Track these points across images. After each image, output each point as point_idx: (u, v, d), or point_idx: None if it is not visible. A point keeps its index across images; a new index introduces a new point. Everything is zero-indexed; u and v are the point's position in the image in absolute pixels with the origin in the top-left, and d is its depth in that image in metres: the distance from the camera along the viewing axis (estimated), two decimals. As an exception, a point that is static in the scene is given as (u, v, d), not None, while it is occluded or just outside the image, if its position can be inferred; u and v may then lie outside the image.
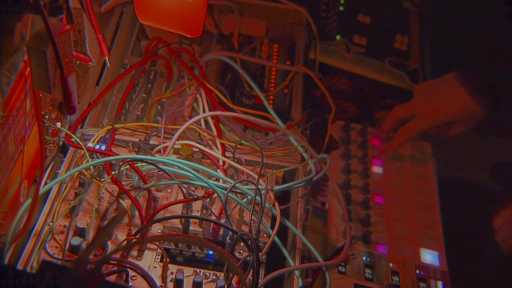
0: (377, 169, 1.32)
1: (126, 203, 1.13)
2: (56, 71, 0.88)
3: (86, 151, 1.14)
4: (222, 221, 1.13)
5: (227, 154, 1.25)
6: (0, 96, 0.90)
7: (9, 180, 0.99)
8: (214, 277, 1.07)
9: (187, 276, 1.06)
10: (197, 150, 1.23)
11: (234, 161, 1.22)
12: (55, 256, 1.04)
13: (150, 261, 1.07)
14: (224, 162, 1.23)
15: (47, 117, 1.13)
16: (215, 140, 1.27)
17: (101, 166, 1.16)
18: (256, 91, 1.39)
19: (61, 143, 1.18)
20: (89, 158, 1.14)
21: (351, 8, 1.65)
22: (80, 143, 1.15)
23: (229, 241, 1.10)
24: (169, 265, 1.06)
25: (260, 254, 1.05)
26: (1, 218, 0.99)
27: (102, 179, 1.17)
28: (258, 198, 1.12)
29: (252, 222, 1.13)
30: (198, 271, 1.08)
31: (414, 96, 1.34)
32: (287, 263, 1.12)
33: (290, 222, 1.16)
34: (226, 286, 1.03)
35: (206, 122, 1.31)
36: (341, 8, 1.65)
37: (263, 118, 1.32)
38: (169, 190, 1.19)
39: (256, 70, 1.48)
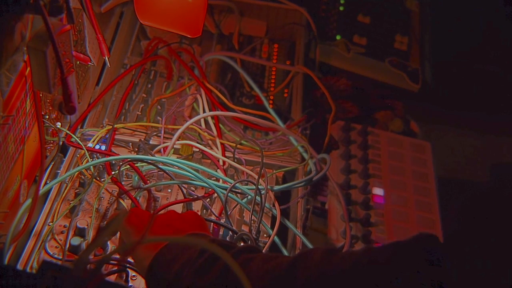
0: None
1: (126, 203, 1.13)
2: (56, 71, 0.88)
3: (86, 151, 1.14)
4: (222, 221, 1.13)
5: (227, 154, 1.25)
6: (0, 96, 0.90)
7: (9, 180, 0.99)
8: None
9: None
10: (197, 150, 1.23)
11: (234, 161, 1.22)
12: (55, 256, 1.04)
13: (150, 261, 1.07)
14: (224, 162, 1.23)
15: (47, 117, 1.13)
16: (215, 140, 1.27)
17: (101, 166, 1.16)
18: (256, 91, 1.39)
19: (61, 143, 1.18)
20: (89, 158, 1.14)
21: (351, 8, 1.65)
22: (80, 143, 1.15)
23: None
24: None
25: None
26: (1, 218, 0.99)
27: (102, 179, 1.17)
28: (258, 198, 1.12)
29: (252, 222, 1.13)
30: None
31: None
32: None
33: (290, 222, 1.16)
34: None
35: (206, 122, 1.31)
36: (341, 8, 1.65)
37: (263, 118, 1.32)
38: (169, 190, 1.19)
39: (256, 70, 1.48)
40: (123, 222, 0.94)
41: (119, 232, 0.99)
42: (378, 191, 1.28)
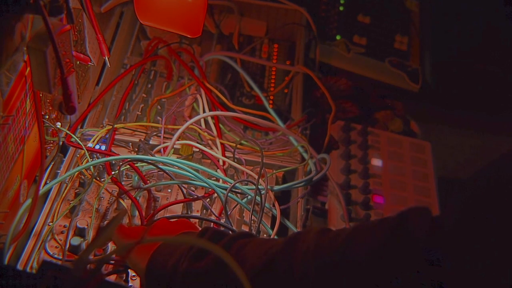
0: (377, 162, 1.30)
1: (126, 203, 1.13)
2: (56, 71, 0.88)
3: (86, 151, 1.14)
4: (222, 221, 1.13)
5: (227, 154, 1.25)
6: (0, 96, 0.90)
7: (9, 180, 0.99)
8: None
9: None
10: (197, 150, 1.23)
11: (234, 161, 1.22)
12: (55, 256, 1.04)
13: (150, 261, 1.07)
14: (224, 162, 1.23)
15: (47, 117, 1.13)
16: (215, 140, 1.27)
17: (101, 166, 1.16)
18: (256, 91, 1.39)
19: (61, 143, 1.18)
20: (89, 158, 1.14)
21: (351, 8, 1.65)
22: (80, 143, 1.15)
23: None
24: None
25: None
26: (1, 218, 0.99)
27: (102, 179, 1.17)
28: (258, 198, 1.12)
29: (252, 222, 1.13)
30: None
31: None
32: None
33: (290, 222, 1.16)
34: None
35: (206, 122, 1.31)
36: (341, 8, 1.65)
37: (263, 118, 1.32)
38: (169, 190, 1.19)
39: (256, 70, 1.48)
40: (116, 232, 0.95)
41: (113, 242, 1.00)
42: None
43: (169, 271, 0.86)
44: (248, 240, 0.87)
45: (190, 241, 0.86)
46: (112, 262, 1.00)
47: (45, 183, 1.11)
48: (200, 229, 0.98)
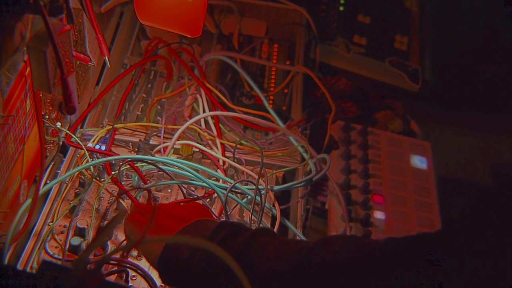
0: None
1: (126, 203, 1.13)
2: (56, 71, 0.88)
3: (86, 151, 1.14)
4: (222, 221, 1.13)
5: (227, 154, 1.25)
6: (0, 96, 0.90)
7: (9, 180, 0.99)
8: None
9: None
10: (197, 150, 1.23)
11: (234, 161, 1.22)
12: (55, 256, 1.04)
13: (150, 261, 1.07)
14: (224, 162, 1.23)
15: (47, 117, 1.13)
16: (215, 140, 1.27)
17: (101, 166, 1.16)
18: (256, 91, 1.39)
19: (61, 143, 1.18)
20: (89, 158, 1.14)
21: (351, 8, 1.65)
22: (80, 143, 1.15)
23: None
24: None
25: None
26: (1, 218, 0.99)
27: (102, 179, 1.17)
28: (258, 198, 1.12)
29: (252, 222, 1.13)
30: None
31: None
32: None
33: (290, 222, 1.16)
34: None
35: (206, 122, 1.31)
36: (341, 8, 1.65)
37: (263, 118, 1.32)
38: (169, 190, 1.19)
39: (256, 70, 1.48)
40: (126, 220, 0.95)
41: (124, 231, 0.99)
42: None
43: (184, 263, 0.85)
44: (269, 239, 0.86)
45: (200, 243, 0.85)
46: (112, 262, 1.00)
47: (45, 183, 1.11)
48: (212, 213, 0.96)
